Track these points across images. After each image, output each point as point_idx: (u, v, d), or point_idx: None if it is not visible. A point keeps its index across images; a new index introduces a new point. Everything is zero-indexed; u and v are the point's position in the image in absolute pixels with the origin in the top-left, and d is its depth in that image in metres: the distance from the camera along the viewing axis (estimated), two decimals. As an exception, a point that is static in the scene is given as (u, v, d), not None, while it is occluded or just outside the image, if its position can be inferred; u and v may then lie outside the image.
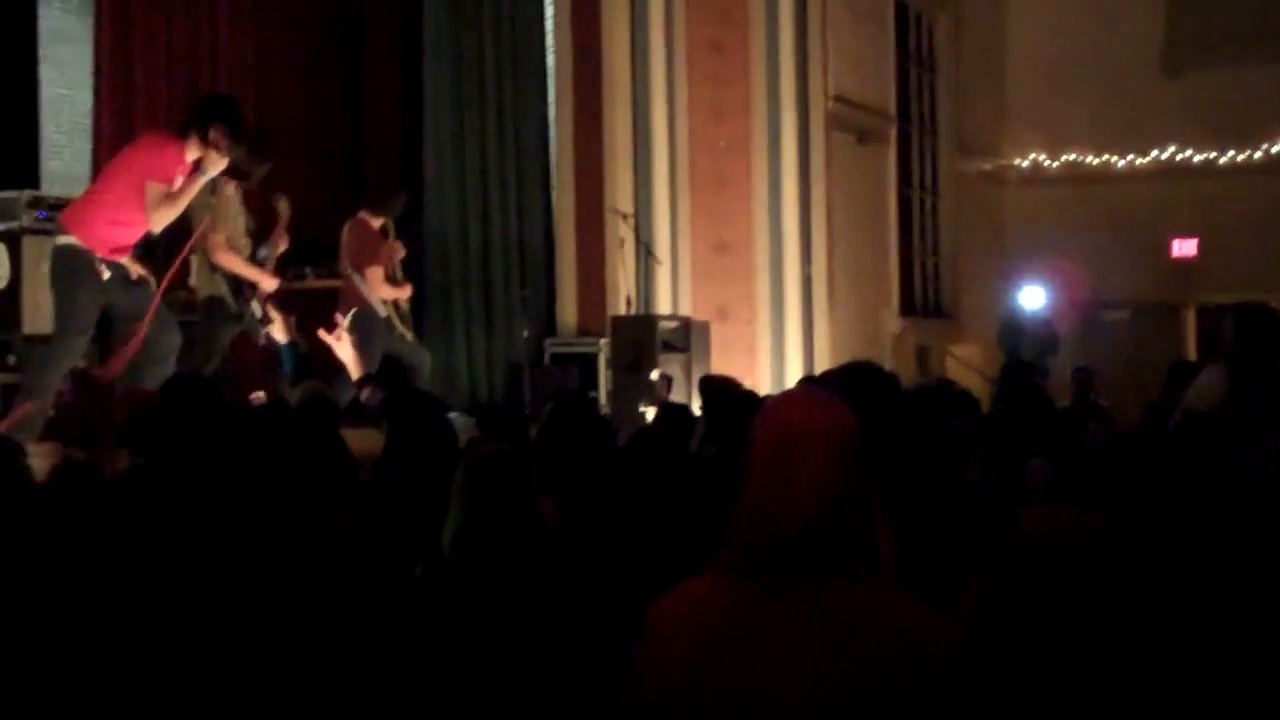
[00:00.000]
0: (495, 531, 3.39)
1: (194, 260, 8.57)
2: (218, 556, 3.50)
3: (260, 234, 8.59)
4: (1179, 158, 14.68)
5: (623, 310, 11.12)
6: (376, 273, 8.93)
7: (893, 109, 13.53)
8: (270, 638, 3.22)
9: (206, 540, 3.60)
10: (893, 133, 13.49)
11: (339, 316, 8.70)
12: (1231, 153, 14.55)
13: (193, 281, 8.61)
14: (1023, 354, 12.28)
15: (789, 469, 2.22)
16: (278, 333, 8.08)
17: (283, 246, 8.59)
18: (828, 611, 2.18)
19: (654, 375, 10.01)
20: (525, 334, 11.20)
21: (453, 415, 9.95)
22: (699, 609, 2.27)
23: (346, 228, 8.99)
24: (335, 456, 5.62)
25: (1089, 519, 3.03)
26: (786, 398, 2.51)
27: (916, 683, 2.13)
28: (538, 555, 3.38)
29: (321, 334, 8.68)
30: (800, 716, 2.13)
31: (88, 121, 10.13)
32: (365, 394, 7.53)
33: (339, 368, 8.63)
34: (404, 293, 9.19)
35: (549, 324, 11.98)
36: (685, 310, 11.53)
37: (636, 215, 11.56)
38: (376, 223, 9.13)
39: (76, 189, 10.00)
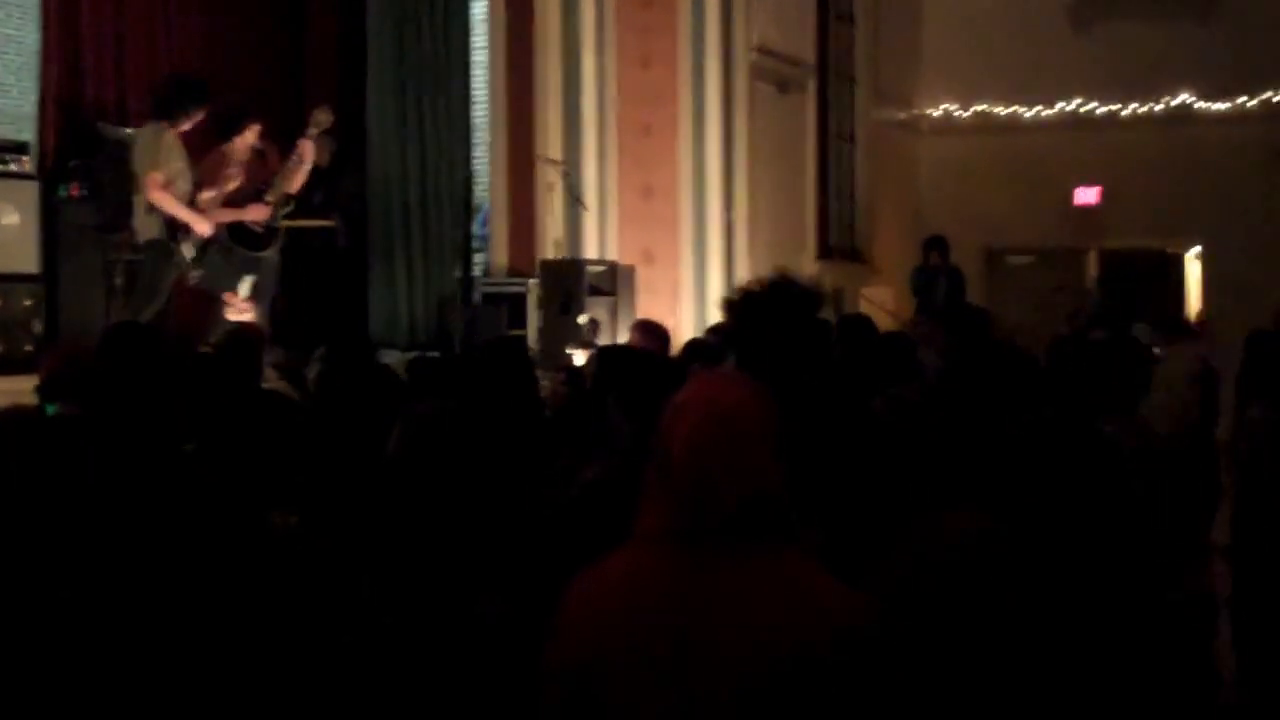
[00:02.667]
0: (434, 488, 3.38)
1: (135, 202, 8.86)
2: (147, 506, 3.46)
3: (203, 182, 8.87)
4: (1084, 109, 15.20)
5: (551, 253, 11.37)
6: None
7: (812, 60, 13.75)
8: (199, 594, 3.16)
9: (136, 489, 3.56)
10: (812, 83, 13.73)
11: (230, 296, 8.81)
12: (1134, 105, 15.09)
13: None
14: (934, 297, 12.81)
15: (670, 440, 2.30)
16: None
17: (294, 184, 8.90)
18: (734, 582, 2.23)
19: (582, 319, 10.36)
20: (457, 274, 11.56)
21: (392, 352, 10.31)
22: (619, 580, 2.32)
23: None
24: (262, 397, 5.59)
25: (984, 524, 2.98)
26: (696, 379, 2.55)
27: (825, 651, 2.19)
28: (476, 513, 3.38)
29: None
30: (717, 683, 2.19)
31: (35, 62, 10.25)
32: None
33: None
34: (247, 215, 8.98)
35: (470, 264, 12.34)
36: (612, 254, 11.76)
37: (566, 161, 11.76)
38: (230, 147, 9.05)
39: (24, 129, 10.25)
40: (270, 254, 9.09)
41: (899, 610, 2.76)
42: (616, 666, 2.26)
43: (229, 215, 8.89)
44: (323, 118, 9.07)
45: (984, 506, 3.12)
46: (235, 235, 8.89)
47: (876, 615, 2.34)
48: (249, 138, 9.00)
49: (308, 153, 9.09)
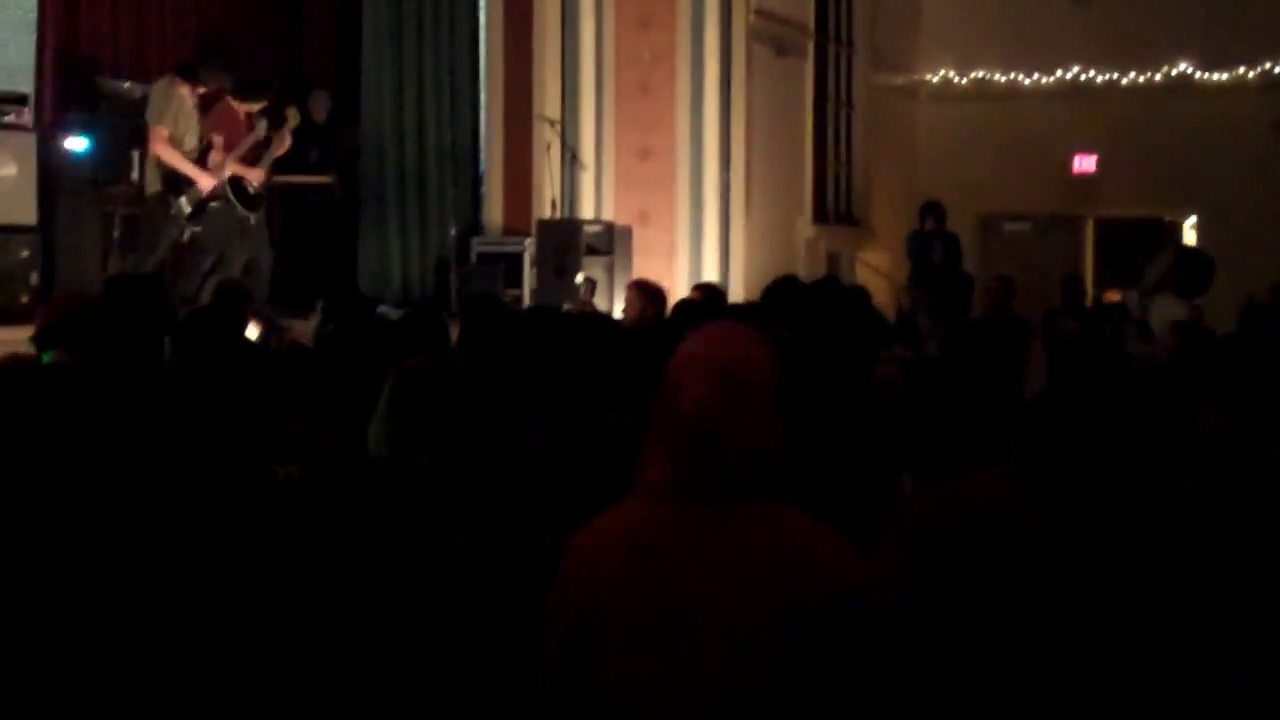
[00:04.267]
0: (421, 442, 3.45)
1: (141, 154, 8.91)
2: (140, 453, 3.49)
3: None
4: (1083, 78, 15.16)
5: (548, 213, 11.42)
6: None
7: (811, 24, 13.74)
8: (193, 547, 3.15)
9: (130, 436, 3.60)
10: (810, 47, 13.71)
11: None
12: (1133, 74, 15.06)
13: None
14: (930, 262, 12.82)
15: (678, 394, 2.28)
16: None
17: (282, 150, 8.95)
18: (738, 536, 2.23)
19: (578, 278, 10.42)
20: (453, 232, 11.60)
21: (384, 309, 10.35)
22: (621, 534, 2.31)
23: None
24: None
25: (1010, 488, 2.95)
26: (698, 330, 2.49)
27: (824, 606, 2.20)
28: (463, 468, 3.44)
29: None
30: (717, 638, 2.20)
31: (33, 16, 10.25)
32: None
33: None
34: (251, 174, 9.10)
35: (475, 224, 12.36)
36: (608, 214, 11.81)
37: (563, 122, 11.83)
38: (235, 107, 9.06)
39: (22, 82, 10.25)
40: (258, 216, 9.11)
41: (913, 565, 2.77)
42: (617, 621, 2.26)
43: (240, 169, 8.95)
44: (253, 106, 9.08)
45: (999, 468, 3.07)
46: (237, 192, 8.94)
47: (877, 572, 2.34)
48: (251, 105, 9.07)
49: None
